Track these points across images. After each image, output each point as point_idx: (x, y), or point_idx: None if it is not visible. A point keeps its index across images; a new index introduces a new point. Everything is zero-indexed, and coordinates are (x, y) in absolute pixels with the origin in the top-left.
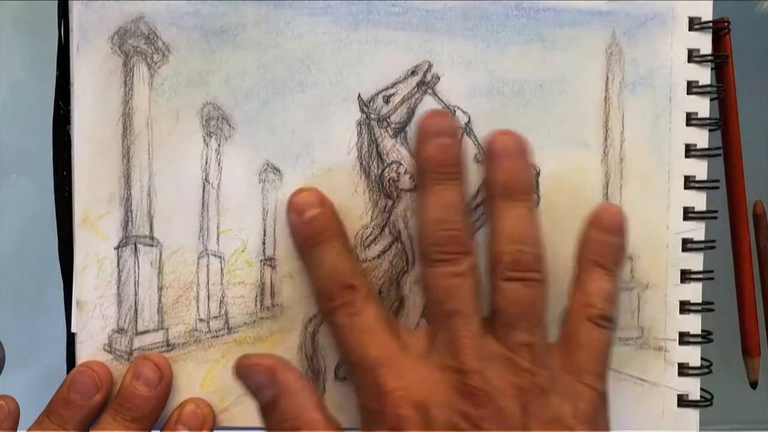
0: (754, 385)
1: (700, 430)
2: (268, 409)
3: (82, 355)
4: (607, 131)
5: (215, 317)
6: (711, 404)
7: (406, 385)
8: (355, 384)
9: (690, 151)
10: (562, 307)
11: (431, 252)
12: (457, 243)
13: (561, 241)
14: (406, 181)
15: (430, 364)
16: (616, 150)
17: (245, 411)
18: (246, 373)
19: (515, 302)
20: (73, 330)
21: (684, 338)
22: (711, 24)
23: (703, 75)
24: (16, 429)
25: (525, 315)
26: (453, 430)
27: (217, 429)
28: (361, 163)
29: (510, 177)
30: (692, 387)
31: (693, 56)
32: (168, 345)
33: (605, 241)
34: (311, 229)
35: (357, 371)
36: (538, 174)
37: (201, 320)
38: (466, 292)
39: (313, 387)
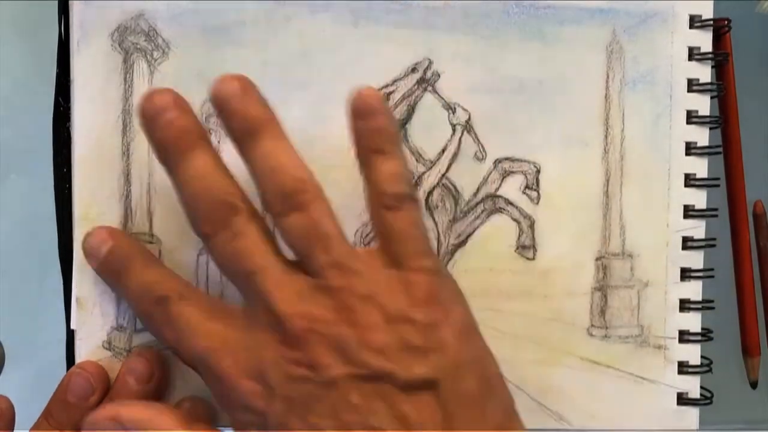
0: (754, 384)
1: (699, 429)
2: None
3: (82, 353)
4: (607, 129)
5: None
6: (711, 402)
7: (236, 361)
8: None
9: (690, 148)
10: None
11: (201, 226)
12: (219, 207)
13: (561, 240)
14: None
15: (253, 330)
16: (617, 148)
17: None
18: None
19: (298, 232)
20: (72, 327)
21: (684, 336)
22: (711, 22)
23: (704, 73)
24: (11, 429)
25: (313, 236)
26: (292, 382)
27: (218, 427)
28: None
29: (240, 118)
30: (692, 385)
31: (693, 54)
32: None
33: (368, 127)
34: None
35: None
36: (538, 172)
37: None
38: (250, 248)
39: (169, 409)
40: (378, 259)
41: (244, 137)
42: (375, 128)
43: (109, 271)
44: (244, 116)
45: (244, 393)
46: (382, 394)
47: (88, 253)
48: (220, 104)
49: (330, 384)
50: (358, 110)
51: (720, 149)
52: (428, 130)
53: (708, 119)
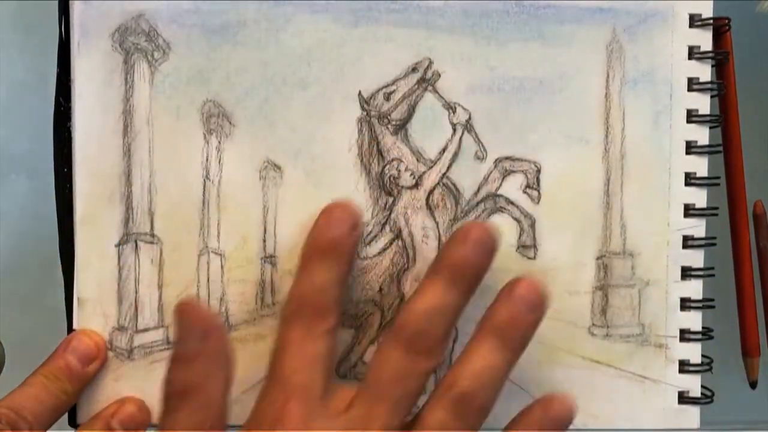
0: (753, 385)
1: (699, 429)
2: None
3: None
4: (607, 128)
5: (216, 315)
6: (711, 401)
7: None
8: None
9: (691, 147)
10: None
11: (407, 334)
12: (435, 342)
13: (562, 239)
14: (406, 179)
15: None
16: (617, 147)
17: (245, 409)
18: None
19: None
20: (74, 327)
21: (685, 335)
22: (711, 21)
23: (704, 72)
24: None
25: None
26: None
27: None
28: (361, 161)
29: (511, 322)
30: (693, 384)
31: (693, 53)
32: (168, 343)
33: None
34: (332, 241)
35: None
36: (538, 171)
37: None
38: (409, 388)
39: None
40: None
41: (494, 332)
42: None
43: (327, 247)
44: (516, 326)
45: None
46: None
47: (331, 214)
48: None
49: None
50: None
51: (720, 148)
52: (429, 130)
53: (708, 118)
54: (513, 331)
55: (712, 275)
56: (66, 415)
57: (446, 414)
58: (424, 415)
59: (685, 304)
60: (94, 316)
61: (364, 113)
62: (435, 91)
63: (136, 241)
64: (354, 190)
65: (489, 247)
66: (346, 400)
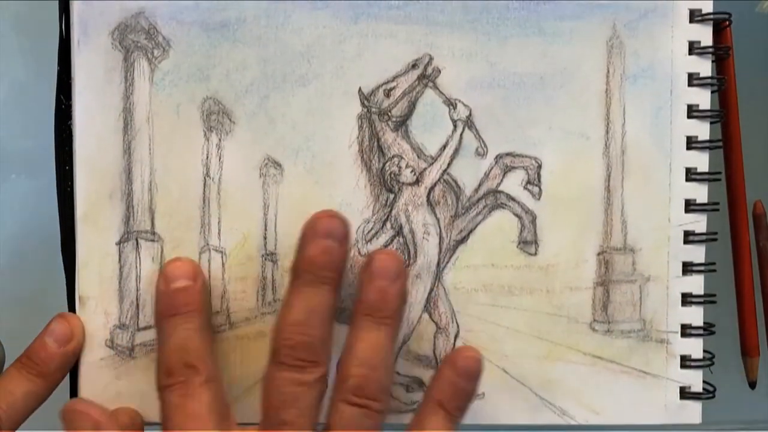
0: (753, 385)
1: (699, 429)
2: None
3: (84, 351)
4: (608, 124)
5: (216, 312)
6: (713, 396)
7: None
8: None
9: (691, 143)
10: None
11: (282, 354)
12: (309, 351)
13: (563, 235)
14: (407, 175)
15: None
16: (618, 142)
17: (246, 407)
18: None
19: (349, 427)
20: None
21: (686, 330)
22: (711, 16)
23: (704, 67)
24: None
25: None
26: None
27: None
28: (362, 157)
29: (379, 298)
30: (694, 379)
31: (694, 48)
32: None
33: (456, 383)
34: (173, 300)
35: None
36: (539, 167)
37: None
38: (303, 404)
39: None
40: None
41: (367, 313)
42: (464, 390)
43: (167, 306)
44: (384, 300)
45: None
46: None
47: (163, 274)
48: (370, 273)
49: None
50: (458, 363)
51: (720, 143)
52: (429, 126)
53: (709, 113)
54: (383, 306)
55: (714, 270)
56: None
57: (349, 408)
58: (331, 415)
59: (687, 299)
60: (95, 314)
61: (365, 110)
62: (435, 87)
63: (136, 239)
64: (355, 187)
65: (338, 237)
66: None
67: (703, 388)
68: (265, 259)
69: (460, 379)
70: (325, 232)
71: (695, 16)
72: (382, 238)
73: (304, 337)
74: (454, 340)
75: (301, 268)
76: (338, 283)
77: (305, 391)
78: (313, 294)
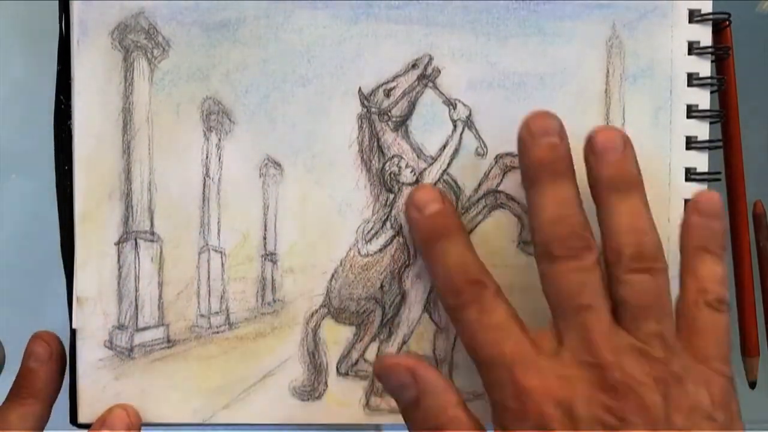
0: (753, 385)
1: None
2: (410, 409)
3: (83, 352)
4: (608, 123)
5: (216, 313)
6: None
7: (545, 383)
8: (487, 381)
9: (691, 143)
10: None
11: (554, 248)
12: (579, 238)
13: None
14: (407, 175)
15: (565, 361)
16: None
17: (246, 408)
18: (386, 373)
19: (643, 293)
20: (74, 326)
21: None
22: (711, 16)
23: (704, 67)
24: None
25: (654, 305)
26: (598, 425)
27: (218, 426)
28: (362, 157)
29: (617, 171)
30: None
31: (693, 48)
32: (169, 341)
33: (709, 226)
34: (433, 224)
35: (490, 368)
36: None
37: (202, 316)
38: (593, 286)
39: (453, 386)
40: (688, 349)
41: (611, 188)
42: (717, 230)
43: (431, 231)
44: (621, 170)
45: (545, 415)
46: None
47: (414, 203)
48: (598, 152)
49: None
50: (702, 207)
51: (720, 143)
52: (429, 127)
53: (708, 113)
54: (622, 176)
55: None
56: (68, 414)
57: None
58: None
59: None
60: (94, 314)
61: (365, 110)
62: (435, 87)
63: (136, 239)
64: (355, 187)
65: (557, 133)
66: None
67: None
68: (265, 260)
69: (710, 220)
70: (542, 131)
71: (695, 16)
72: (382, 238)
73: (567, 227)
74: (454, 340)
75: (533, 172)
76: (573, 173)
77: (589, 275)
78: (557, 187)
